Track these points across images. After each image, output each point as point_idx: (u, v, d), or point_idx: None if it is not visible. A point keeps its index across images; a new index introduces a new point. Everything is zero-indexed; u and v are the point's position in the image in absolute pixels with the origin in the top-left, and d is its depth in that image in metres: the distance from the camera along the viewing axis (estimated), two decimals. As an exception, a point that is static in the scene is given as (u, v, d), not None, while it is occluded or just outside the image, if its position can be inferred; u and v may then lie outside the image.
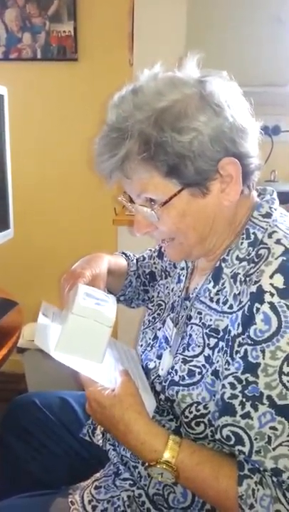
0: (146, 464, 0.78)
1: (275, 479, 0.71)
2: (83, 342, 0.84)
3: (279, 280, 0.71)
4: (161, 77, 0.78)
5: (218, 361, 0.78)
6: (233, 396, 0.72)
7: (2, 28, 2.18)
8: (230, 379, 0.73)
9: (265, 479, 0.71)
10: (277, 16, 1.92)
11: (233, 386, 0.72)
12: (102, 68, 2.16)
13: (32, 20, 2.16)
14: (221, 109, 0.75)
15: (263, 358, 0.70)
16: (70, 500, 0.92)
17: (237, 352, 0.73)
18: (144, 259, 1.22)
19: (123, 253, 1.23)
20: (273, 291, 0.70)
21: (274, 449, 0.70)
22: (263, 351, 0.70)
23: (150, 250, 1.22)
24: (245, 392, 0.71)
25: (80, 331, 0.84)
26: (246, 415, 0.71)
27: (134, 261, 1.22)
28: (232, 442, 0.73)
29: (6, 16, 2.17)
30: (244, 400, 0.71)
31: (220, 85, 0.78)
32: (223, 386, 0.74)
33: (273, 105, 2.01)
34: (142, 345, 1.01)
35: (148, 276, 1.19)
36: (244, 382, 0.71)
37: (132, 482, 0.89)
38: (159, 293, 1.08)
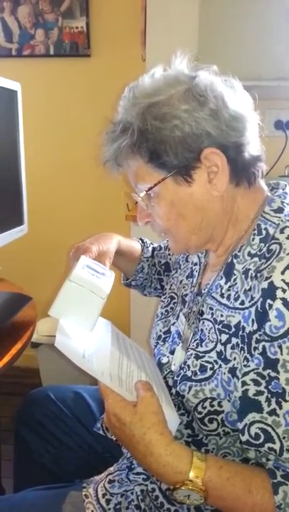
0: (171, 488, 0.73)
1: None
2: (76, 308, 0.86)
3: None
4: (157, 77, 0.82)
5: (234, 358, 0.77)
6: (259, 392, 0.71)
7: (15, 24, 2.19)
8: (253, 375, 0.72)
9: None
10: (290, 10, 1.90)
11: (257, 382, 0.72)
12: (115, 64, 2.16)
13: (45, 17, 2.17)
14: (206, 99, 0.77)
15: (281, 354, 0.69)
16: (84, 493, 0.92)
17: (255, 348, 0.73)
18: (160, 248, 1.23)
19: (140, 239, 1.24)
20: (285, 287, 0.70)
21: None
22: (280, 347, 0.69)
23: (167, 241, 1.22)
24: (270, 387, 0.70)
25: (74, 297, 0.86)
26: (273, 412, 0.70)
27: (150, 248, 1.23)
28: (261, 441, 0.71)
29: (19, 13, 2.18)
30: (269, 396, 0.70)
31: (207, 78, 0.80)
32: (245, 383, 0.73)
33: (287, 99, 1.99)
34: (153, 338, 1.01)
35: (163, 267, 1.20)
36: (267, 378, 0.71)
37: (145, 476, 0.90)
38: (171, 285, 1.08)
